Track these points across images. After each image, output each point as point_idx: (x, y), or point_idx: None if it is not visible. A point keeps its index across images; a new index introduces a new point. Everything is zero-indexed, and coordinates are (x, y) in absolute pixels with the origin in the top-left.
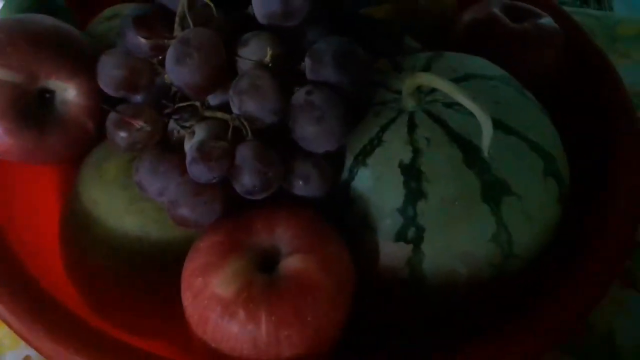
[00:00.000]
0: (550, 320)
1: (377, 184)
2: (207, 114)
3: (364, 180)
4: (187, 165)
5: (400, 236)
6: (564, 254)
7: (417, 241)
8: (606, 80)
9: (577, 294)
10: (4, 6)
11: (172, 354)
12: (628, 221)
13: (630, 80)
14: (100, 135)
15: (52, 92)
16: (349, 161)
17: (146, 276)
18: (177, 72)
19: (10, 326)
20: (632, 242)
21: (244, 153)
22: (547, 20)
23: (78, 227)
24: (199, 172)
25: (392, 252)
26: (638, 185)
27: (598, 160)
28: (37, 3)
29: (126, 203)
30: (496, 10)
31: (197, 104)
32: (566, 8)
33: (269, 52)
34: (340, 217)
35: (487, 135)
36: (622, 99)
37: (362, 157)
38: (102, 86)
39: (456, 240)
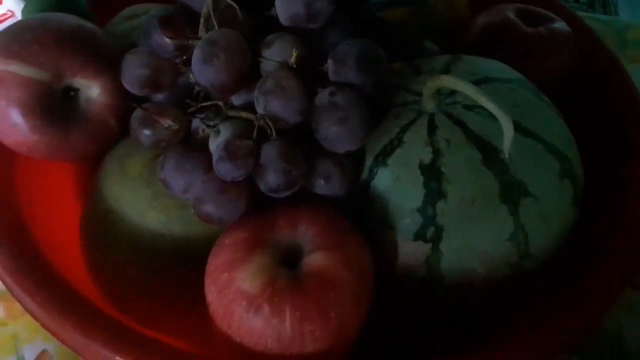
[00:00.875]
0: (564, 323)
1: (396, 184)
2: (231, 113)
3: (383, 180)
4: (214, 164)
5: (419, 235)
6: (578, 256)
7: (436, 240)
8: (618, 83)
9: (591, 297)
10: (25, 6)
11: (191, 348)
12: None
13: (638, 85)
14: (122, 133)
15: (76, 90)
16: (369, 161)
17: (168, 271)
18: (203, 72)
19: (37, 319)
20: None
21: (269, 152)
22: (560, 24)
23: (100, 222)
24: (225, 170)
25: (410, 251)
26: None
27: (611, 161)
28: (59, 3)
29: (150, 199)
30: (511, 15)
31: (221, 103)
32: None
33: (294, 54)
34: (360, 216)
35: (508, 137)
36: (634, 101)
37: (382, 157)
38: (126, 85)
39: (474, 239)
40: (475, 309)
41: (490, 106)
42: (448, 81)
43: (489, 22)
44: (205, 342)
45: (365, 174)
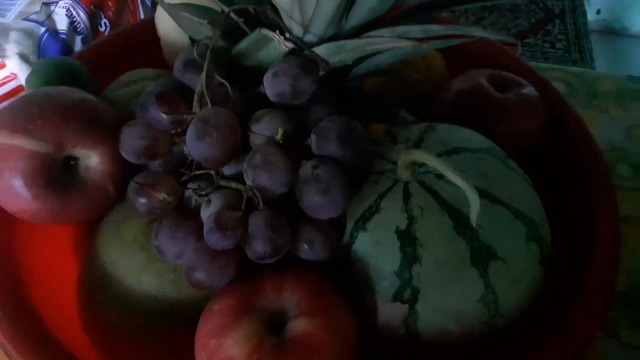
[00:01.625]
0: None
1: (375, 248)
2: (222, 183)
3: (363, 244)
4: (205, 234)
5: (397, 297)
6: (548, 309)
7: (413, 302)
8: (583, 143)
9: (563, 348)
10: (30, 74)
11: None
12: (608, 273)
13: (608, 135)
14: (119, 197)
15: (76, 159)
16: (349, 225)
17: (161, 332)
18: (197, 148)
19: None
20: (612, 294)
21: (257, 222)
22: (529, 89)
23: (96, 284)
24: (215, 240)
25: (389, 311)
26: (615, 238)
27: (577, 220)
28: (62, 73)
29: (144, 264)
30: (483, 81)
31: (212, 172)
32: (550, 65)
33: (281, 131)
34: (343, 277)
35: (474, 209)
36: (598, 162)
37: (362, 222)
38: (124, 154)
39: (448, 300)
40: None
41: (458, 181)
42: (419, 156)
43: (462, 88)
44: None
45: (346, 238)
